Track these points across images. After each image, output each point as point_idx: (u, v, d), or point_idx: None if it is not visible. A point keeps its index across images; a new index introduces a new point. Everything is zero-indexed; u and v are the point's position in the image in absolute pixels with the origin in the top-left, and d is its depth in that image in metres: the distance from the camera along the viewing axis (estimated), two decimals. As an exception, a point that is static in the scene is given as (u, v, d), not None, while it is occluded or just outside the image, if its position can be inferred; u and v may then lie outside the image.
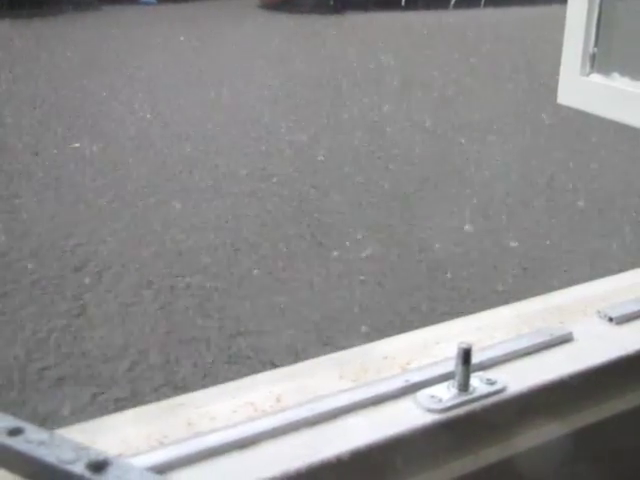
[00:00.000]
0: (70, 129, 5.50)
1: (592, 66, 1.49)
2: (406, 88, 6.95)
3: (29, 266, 3.46)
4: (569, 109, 1.37)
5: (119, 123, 5.70)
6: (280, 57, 8.05)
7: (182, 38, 8.67)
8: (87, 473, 0.51)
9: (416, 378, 0.70)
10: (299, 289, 3.37)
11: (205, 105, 6.19)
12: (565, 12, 1.34)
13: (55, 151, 5.05)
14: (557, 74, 1.27)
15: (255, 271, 3.53)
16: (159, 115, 5.95)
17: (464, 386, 0.69)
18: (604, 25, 1.47)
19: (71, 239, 3.76)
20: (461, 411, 0.68)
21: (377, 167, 5.01)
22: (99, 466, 0.51)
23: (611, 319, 0.82)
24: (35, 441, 0.53)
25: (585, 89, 1.51)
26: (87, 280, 3.38)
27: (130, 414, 0.68)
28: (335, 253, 3.74)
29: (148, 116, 5.90)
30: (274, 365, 2.66)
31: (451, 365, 0.70)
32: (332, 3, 10.75)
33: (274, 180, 4.67)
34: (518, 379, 0.72)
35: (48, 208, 4.14)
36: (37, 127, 5.53)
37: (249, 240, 3.85)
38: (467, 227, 3.97)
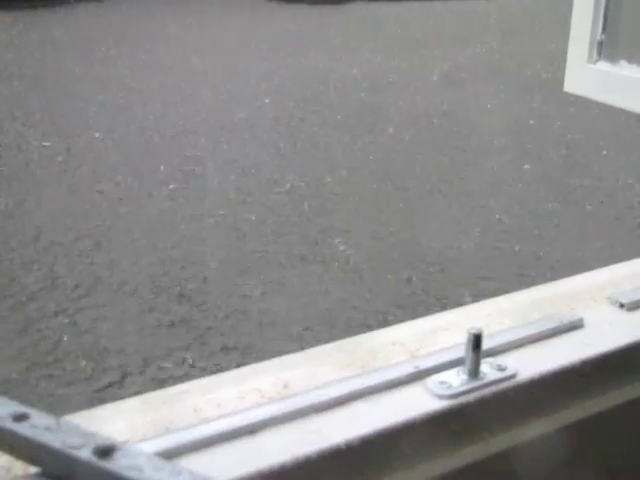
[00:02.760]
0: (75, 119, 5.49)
1: (599, 54, 1.48)
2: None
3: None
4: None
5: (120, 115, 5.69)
6: (277, 47, 8.02)
7: (174, 29, 8.63)
8: (94, 458, 0.50)
9: (426, 364, 0.70)
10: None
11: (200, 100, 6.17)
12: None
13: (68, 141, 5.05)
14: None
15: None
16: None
17: (474, 372, 0.68)
18: (611, 12, 1.46)
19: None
20: (471, 397, 0.67)
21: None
22: (106, 451, 0.50)
23: (622, 305, 0.81)
24: (41, 426, 0.52)
25: (592, 77, 1.50)
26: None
27: (135, 401, 0.68)
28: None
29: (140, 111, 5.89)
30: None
31: (461, 351, 0.69)
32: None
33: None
34: (529, 365, 0.71)
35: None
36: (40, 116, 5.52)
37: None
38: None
